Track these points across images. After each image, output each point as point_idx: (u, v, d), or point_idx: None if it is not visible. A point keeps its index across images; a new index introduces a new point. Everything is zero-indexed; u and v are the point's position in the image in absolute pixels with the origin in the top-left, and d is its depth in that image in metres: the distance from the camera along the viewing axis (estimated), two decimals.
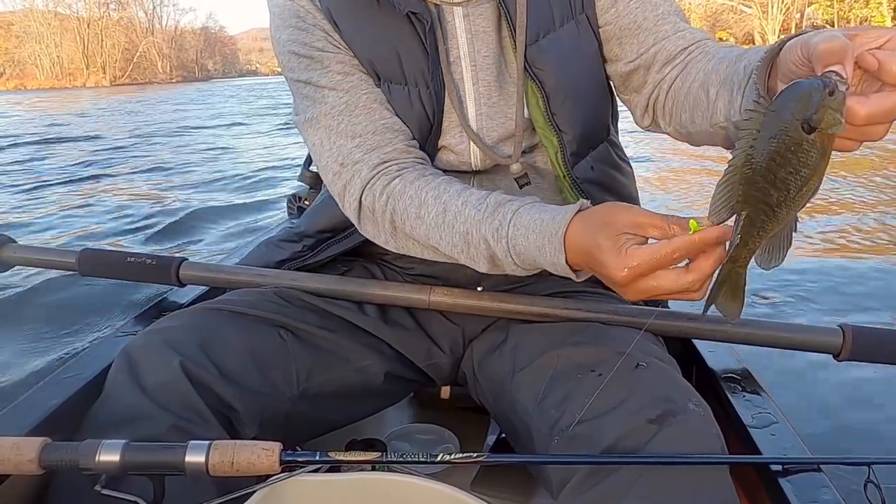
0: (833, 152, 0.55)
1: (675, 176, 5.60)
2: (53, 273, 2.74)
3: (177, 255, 1.17)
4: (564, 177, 0.92)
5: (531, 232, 0.76)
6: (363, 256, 1.06)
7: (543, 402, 0.78)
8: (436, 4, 0.88)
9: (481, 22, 0.89)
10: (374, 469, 0.69)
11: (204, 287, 1.27)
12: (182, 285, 1.13)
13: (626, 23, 0.90)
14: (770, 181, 0.56)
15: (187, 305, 1.18)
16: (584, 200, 0.76)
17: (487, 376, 0.92)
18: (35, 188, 5.94)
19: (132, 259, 1.13)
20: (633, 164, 1.08)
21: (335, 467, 0.67)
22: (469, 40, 0.89)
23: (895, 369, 0.96)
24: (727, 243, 0.62)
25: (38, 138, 10.53)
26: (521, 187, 0.93)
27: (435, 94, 0.89)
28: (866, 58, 0.54)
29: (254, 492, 0.64)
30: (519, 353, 0.87)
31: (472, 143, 0.92)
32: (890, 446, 1.60)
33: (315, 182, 1.63)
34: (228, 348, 0.83)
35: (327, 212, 1.00)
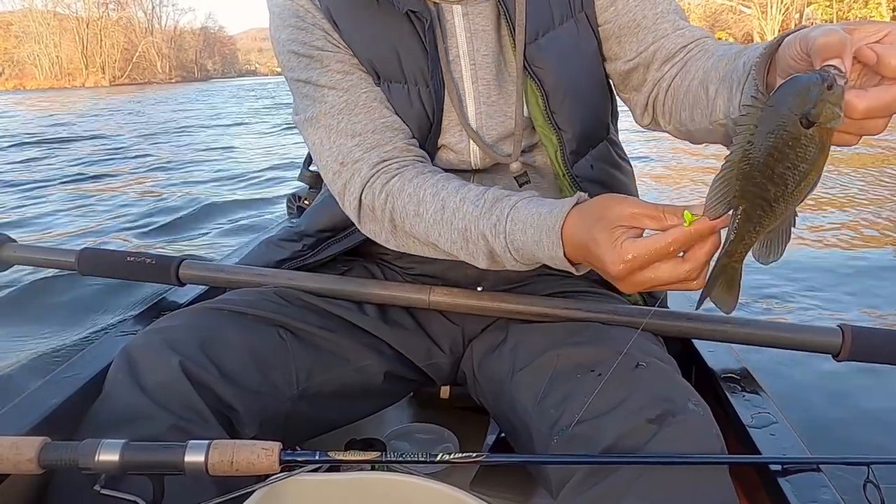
0: (833, 147, 0.55)
1: (675, 174, 5.61)
2: (53, 272, 2.74)
3: (176, 254, 1.16)
4: (564, 175, 0.92)
5: (529, 226, 0.76)
6: (363, 256, 1.06)
7: (543, 402, 0.78)
8: (435, 3, 0.88)
9: (480, 21, 0.89)
10: (373, 469, 0.69)
11: (204, 286, 1.27)
12: (182, 285, 1.13)
13: (625, 21, 0.90)
14: (768, 176, 0.55)
15: (187, 305, 1.18)
16: (582, 193, 0.76)
17: (487, 376, 0.92)
18: (35, 188, 5.93)
19: (132, 258, 1.13)
20: (632, 163, 1.08)
21: (335, 467, 0.67)
22: (468, 39, 0.89)
23: (894, 369, 0.96)
24: (723, 234, 0.62)
25: (37, 138, 10.52)
26: (520, 186, 0.93)
27: (434, 93, 0.89)
28: (865, 52, 0.53)
29: (253, 491, 0.64)
30: (519, 353, 0.87)
31: (471, 141, 0.92)
32: (889, 446, 1.60)
33: (315, 182, 1.63)
34: (228, 348, 0.83)
35: (328, 211, 1.00)
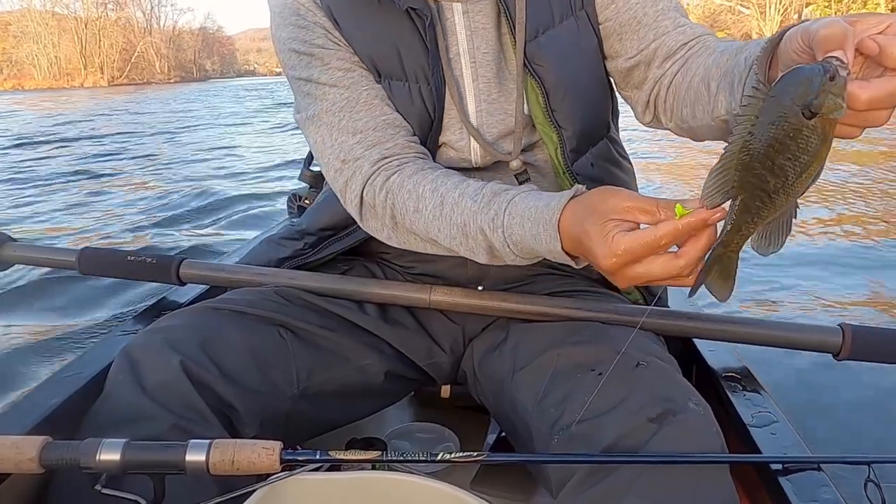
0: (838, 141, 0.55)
1: (676, 173, 5.61)
2: (54, 272, 2.74)
3: (176, 254, 1.17)
4: (564, 173, 0.92)
5: (526, 220, 0.75)
6: (363, 255, 1.06)
7: (543, 402, 0.78)
8: (435, 1, 0.88)
9: (481, 18, 0.89)
10: (374, 468, 0.69)
11: (204, 286, 1.27)
12: (182, 284, 1.13)
13: (625, 19, 0.90)
14: (768, 167, 0.55)
15: (187, 304, 1.18)
16: (580, 186, 0.75)
17: (487, 375, 0.92)
18: (35, 187, 5.94)
19: (132, 258, 1.13)
20: (633, 161, 1.07)
21: (335, 466, 0.67)
22: (468, 37, 0.89)
23: (895, 368, 0.96)
24: (719, 226, 0.61)
25: (37, 138, 10.52)
26: (520, 184, 0.93)
27: (435, 90, 0.89)
28: (867, 43, 0.53)
29: (254, 490, 0.64)
30: (519, 353, 0.87)
31: (472, 139, 0.92)
32: (890, 445, 1.60)
33: (315, 181, 1.63)
34: (229, 347, 0.83)
35: (329, 209, 1.00)
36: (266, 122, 12.70)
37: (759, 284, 2.68)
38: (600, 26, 0.93)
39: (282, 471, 0.64)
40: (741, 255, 0.63)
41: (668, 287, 1.03)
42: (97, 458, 0.62)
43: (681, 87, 0.85)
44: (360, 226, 0.93)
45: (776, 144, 0.53)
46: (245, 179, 5.99)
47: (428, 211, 0.83)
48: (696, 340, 1.10)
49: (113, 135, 10.76)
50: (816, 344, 0.94)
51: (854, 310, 2.49)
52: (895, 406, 1.75)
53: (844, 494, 0.74)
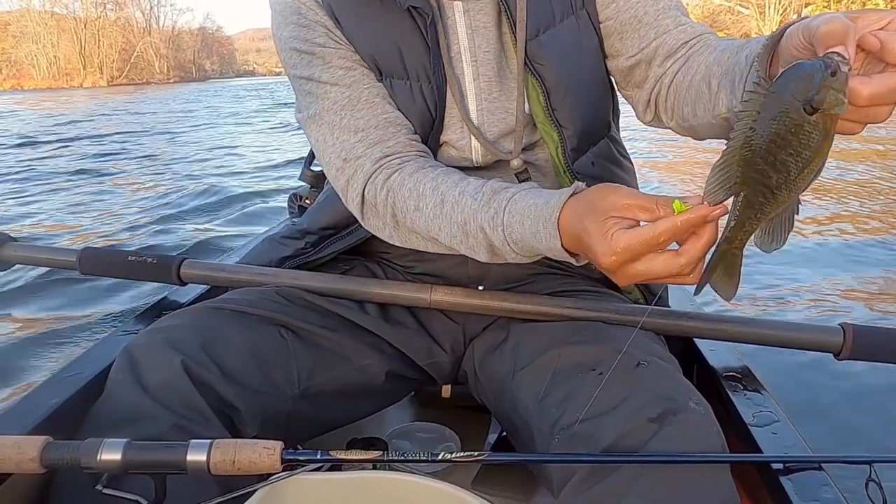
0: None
1: (676, 172, 5.60)
2: (54, 272, 2.75)
3: (178, 253, 1.17)
4: (565, 172, 0.92)
5: (526, 218, 0.75)
6: (364, 255, 1.06)
7: (544, 401, 0.78)
8: None
9: (481, 17, 0.89)
10: (375, 468, 0.70)
11: (205, 286, 1.27)
12: (183, 284, 1.14)
13: (626, 17, 0.90)
14: (770, 163, 0.54)
15: (188, 304, 1.18)
16: (580, 183, 0.74)
17: (488, 375, 0.92)
18: (35, 187, 5.94)
19: (133, 258, 1.13)
20: (633, 161, 1.07)
21: (336, 466, 0.67)
22: (469, 36, 0.89)
23: None
24: (721, 223, 0.61)
25: (37, 138, 10.52)
26: (521, 182, 0.93)
27: (437, 89, 0.89)
28: (868, 39, 0.53)
29: (255, 490, 0.64)
30: (520, 352, 0.87)
31: (473, 138, 0.92)
32: (891, 445, 1.60)
33: (315, 181, 1.63)
34: (230, 347, 0.83)
35: (330, 208, 1.00)
36: (266, 122, 12.68)
37: (760, 284, 2.68)
38: (601, 25, 0.93)
39: (283, 471, 0.64)
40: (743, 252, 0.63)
41: (669, 287, 1.03)
42: (98, 458, 0.62)
43: (682, 85, 0.85)
44: (362, 225, 0.93)
45: (778, 140, 0.53)
46: (245, 179, 5.99)
47: (428, 209, 0.83)
48: (697, 340, 1.10)
49: (113, 134, 10.76)
50: (817, 344, 0.94)
51: (855, 310, 2.49)
52: None
53: (846, 494, 0.74)
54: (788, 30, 0.59)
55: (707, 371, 1.05)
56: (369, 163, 0.88)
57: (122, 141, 9.83)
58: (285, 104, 16.11)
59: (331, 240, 1.02)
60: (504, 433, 1.11)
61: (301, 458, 0.64)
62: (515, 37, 0.87)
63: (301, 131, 0.96)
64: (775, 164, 0.54)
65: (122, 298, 2.72)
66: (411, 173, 0.86)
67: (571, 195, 0.73)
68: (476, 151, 0.93)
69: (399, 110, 0.90)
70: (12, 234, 1.23)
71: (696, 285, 0.66)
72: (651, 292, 1.00)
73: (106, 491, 0.62)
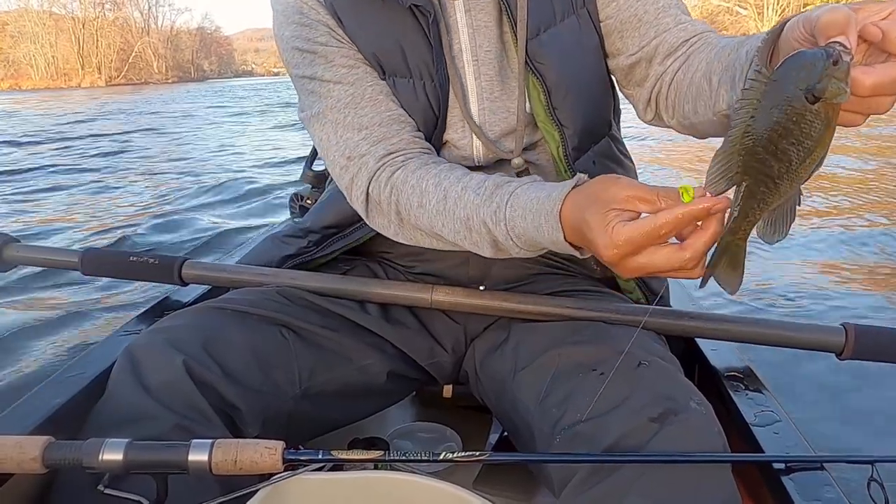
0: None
1: (677, 170, 5.60)
2: (56, 272, 2.75)
3: (181, 253, 1.17)
4: (566, 171, 0.92)
5: (528, 212, 0.75)
6: (365, 255, 1.06)
7: (545, 401, 0.78)
8: None
9: (482, 16, 0.89)
10: (376, 468, 0.70)
11: (206, 286, 1.27)
12: (184, 284, 1.14)
13: (626, 16, 0.90)
14: (771, 152, 0.54)
15: (190, 304, 1.18)
16: (582, 175, 0.74)
17: (489, 375, 0.92)
18: (37, 188, 5.94)
19: (134, 258, 1.13)
20: (635, 160, 1.07)
21: (338, 466, 0.67)
22: (471, 35, 0.89)
23: None
24: (726, 215, 0.60)
25: (37, 138, 10.52)
26: None
27: (440, 87, 0.89)
28: (870, 29, 0.53)
29: (257, 490, 0.64)
30: (520, 352, 0.87)
31: (474, 137, 0.92)
32: (893, 444, 1.60)
33: (317, 181, 1.63)
34: (231, 347, 0.83)
35: (333, 207, 1.00)
36: (266, 122, 12.69)
37: (761, 284, 2.68)
38: (601, 24, 0.93)
39: (284, 470, 0.64)
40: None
41: (670, 286, 1.03)
42: (100, 457, 0.62)
43: (682, 83, 0.85)
44: (367, 223, 0.93)
45: (779, 129, 0.53)
46: (246, 179, 5.98)
47: (431, 206, 0.83)
48: (698, 340, 1.10)
49: (113, 134, 10.76)
50: (819, 343, 0.94)
51: (855, 310, 2.49)
52: None
53: (847, 494, 0.74)
54: (789, 22, 0.59)
55: (708, 371, 1.05)
56: (373, 160, 0.88)
57: (122, 141, 9.83)
58: (287, 104, 16.10)
59: (333, 238, 1.02)
60: (505, 433, 1.11)
61: (302, 457, 0.64)
62: (516, 36, 0.87)
63: (303, 131, 0.96)
64: (776, 154, 0.54)
65: (123, 299, 2.72)
66: (414, 170, 0.86)
67: (573, 188, 0.72)
68: (477, 150, 0.93)
69: (402, 108, 0.90)
70: (14, 235, 1.23)
71: (700, 280, 0.65)
72: (652, 292, 1.00)
73: (107, 491, 0.62)
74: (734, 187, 0.58)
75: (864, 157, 5.63)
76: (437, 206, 0.83)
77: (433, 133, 0.91)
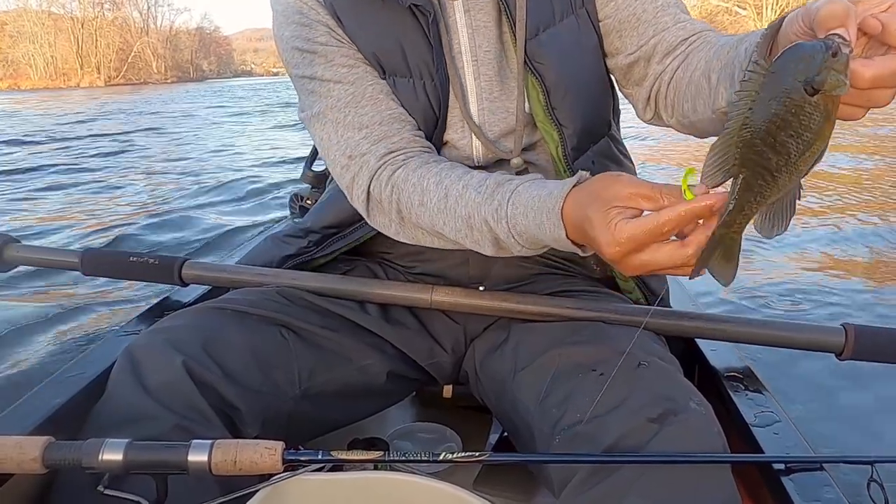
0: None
1: (677, 169, 5.60)
2: (56, 272, 2.75)
3: (181, 253, 1.17)
4: (565, 171, 0.92)
5: (530, 209, 0.75)
6: (365, 255, 1.06)
7: (545, 402, 0.78)
8: None
9: (482, 16, 0.89)
10: (376, 468, 0.69)
11: (206, 286, 1.27)
12: (184, 285, 1.14)
13: (625, 15, 0.90)
14: (769, 144, 0.53)
15: (190, 305, 1.18)
16: (584, 172, 0.74)
17: (489, 375, 0.92)
18: (37, 187, 5.94)
19: (134, 259, 1.13)
20: (634, 159, 1.07)
21: (337, 466, 0.67)
22: (470, 35, 0.89)
23: None
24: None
25: (36, 138, 10.52)
26: None
27: (440, 87, 0.89)
28: (869, 21, 0.52)
29: (256, 491, 0.64)
30: (520, 353, 0.87)
31: (473, 137, 0.92)
32: (893, 445, 1.60)
33: (317, 181, 1.63)
34: (231, 348, 0.83)
35: (334, 207, 1.00)
36: (266, 122, 12.68)
37: (761, 283, 2.68)
38: (600, 24, 0.93)
39: (284, 471, 0.64)
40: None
41: (670, 286, 1.03)
42: (100, 458, 0.62)
43: (681, 82, 0.85)
44: (368, 222, 0.93)
45: (778, 121, 0.52)
46: (246, 179, 5.98)
47: (432, 204, 0.83)
48: (698, 340, 1.10)
49: (113, 134, 10.74)
50: (819, 344, 0.94)
51: (856, 309, 2.49)
52: None
53: (847, 494, 0.74)
54: (788, 16, 0.58)
55: (708, 371, 1.05)
56: (374, 159, 0.88)
57: (122, 141, 9.82)
58: (288, 104, 16.09)
59: (333, 238, 1.02)
60: (505, 433, 1.11)
61: (302, 458, 0.64)
62: (515, 36, 0.87)
63: (302, 131, 0.96)
64: (775, 146, 0.53)
65: (123, 299, 2.72)
66: (415, 168, 0.86)
67: (575, 185, 0.72)
68: (477, 150, 0.93)
69: (402, 107, 0.90)
70: (14, 236, 1.23)
71: (692, 270, 0.64)
72: (652, 292, 1.00)
73: (107, 491, 0.62)
74: (731, 179, 0.57)
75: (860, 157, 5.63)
76: (438, 204, 0.83)
77: (433, 133, 0.92)
